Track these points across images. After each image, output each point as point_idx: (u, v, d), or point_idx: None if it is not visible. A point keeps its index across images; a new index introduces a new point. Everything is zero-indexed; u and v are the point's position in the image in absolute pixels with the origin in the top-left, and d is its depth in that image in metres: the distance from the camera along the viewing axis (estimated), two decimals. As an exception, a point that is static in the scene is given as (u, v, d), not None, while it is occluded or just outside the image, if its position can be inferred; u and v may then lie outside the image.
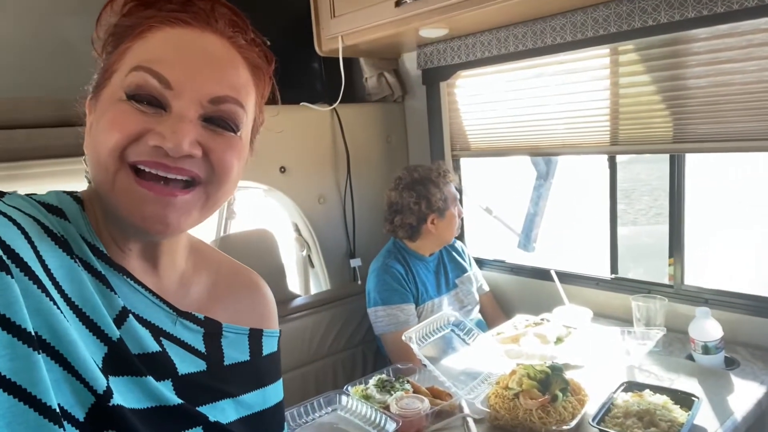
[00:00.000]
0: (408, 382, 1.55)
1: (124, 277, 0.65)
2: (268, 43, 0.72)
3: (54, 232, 0.60)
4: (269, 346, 0.79)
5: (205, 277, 0.77)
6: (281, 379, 0.80)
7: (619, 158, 2.08)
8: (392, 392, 1.48)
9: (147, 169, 0.61)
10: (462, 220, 2.21)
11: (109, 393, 0.56)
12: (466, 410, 1.46)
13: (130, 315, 0.63)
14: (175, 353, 0.67)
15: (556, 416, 1.30)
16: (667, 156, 1.92)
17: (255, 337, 0.77)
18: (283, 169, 2.27)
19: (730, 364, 1.64)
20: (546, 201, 3.76)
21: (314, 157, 2.38)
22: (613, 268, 2.12)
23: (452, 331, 1.66)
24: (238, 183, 0.71)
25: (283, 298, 2.27)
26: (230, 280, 0.80)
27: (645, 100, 1.87)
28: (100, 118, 0.62)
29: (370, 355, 2.32)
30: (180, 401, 0.63)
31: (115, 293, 0.62)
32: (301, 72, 2.60)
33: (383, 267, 2.08)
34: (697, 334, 1.63)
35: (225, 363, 0.72)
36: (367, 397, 1.49)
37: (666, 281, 2.00)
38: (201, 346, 0.70)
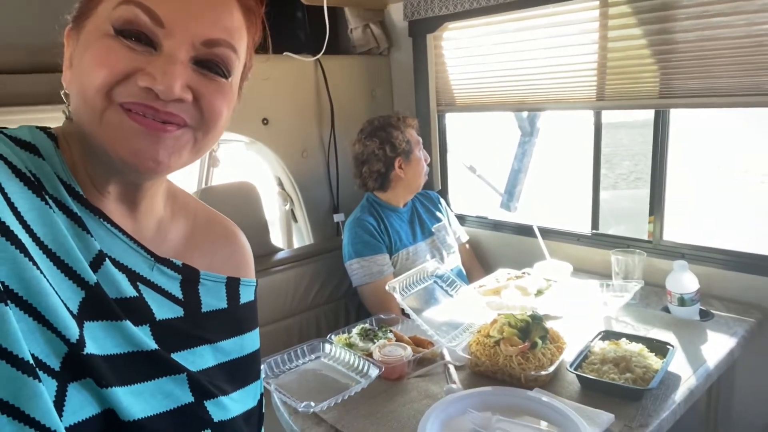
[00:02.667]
0: (391, 331, 1.57)
1: (101, 219, 0.63)
2: None
3: (24, 173, 0.57)
4: (246, 295, 0.78)
5: (183, 224, 0.75)
6: (258, 329, 0.80)
7: (603, 121, 2.08)
8: (375, 340, 1.50)
9: (134, 111, 0.58)
10: (430, 165, 2.20)
11: (82, 341, 0.55)
12: (448, 358, 1.48)
13: (107, 259, 0.61)
14: (152, 299, 0.66)
15: (535, 362, 1.33)
16: (650, 121, 1.92)
17: (232, 285, 0.76)
18: (265, 121, 2.22)
19: (705, 316, 1.69)
20: (530, 159, 3.76)
21: (297, 109, 2.34)
22: (594, 224, 2.14)
23: (435, 282, 1.67)
24: (222, 134, 0.68)
25: (266, 251, 2.26)
26: (207, 229, 0.79)
27: (633, 54, 1.86)
28: (85, 52, 0.59)
29: (353, 308, 2.33)
30: (156, 347, 0.62)
31: (92, 236, 0.60)
32: (285, 21, 2.53)
33: (356, 221, 2.09)
34: (674, 287, 1.66)
35: (202, 310, 0.71)
36: (350, 345, 1.50)
37: (645, 237, 2.03)
38: (178, 293, 0.69)
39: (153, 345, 0.62)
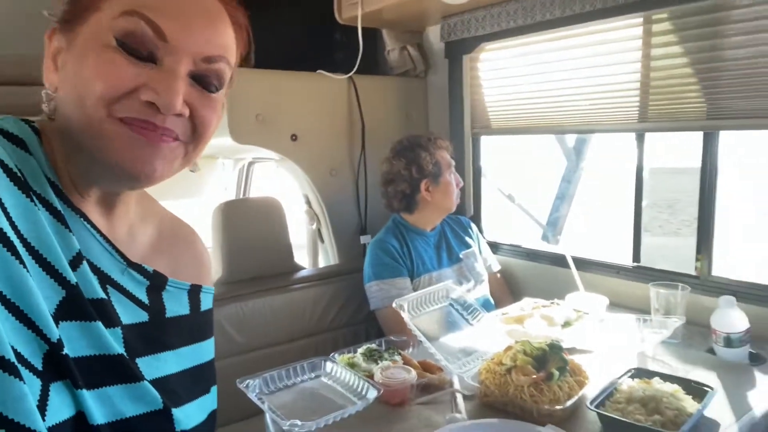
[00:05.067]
0: (399, 353, 1.46)
1: (81, 219, 0.63)
2: None
3: (10, 168, 0.56)
4: (206, 303, 0.79)
5: (150, 229, 0.76)
6: (213, 339, 0.80)
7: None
8: (379, 362, 1.40)
9: (135, 125, 0.59)
10: (462, 190, 2.11)
11: (61, 341, 0.54)
12: (457, 386, 1.36)
13: (84, 260, 0.61)
14: (118, 302, 0.65)
15: (550, 395, 1.19)
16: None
17: (194, 292, 0.77)
18: (294, 137, 2.20)
19: (755, 359, 1.49)
20: (575, 188, 3.57)
21: (328, 127, 2.32)
22: (636, 256, 1.98)
23: (450, 306, 1.56)
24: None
25: (288, 268, 2.21)
26: (172, 233, 0.80)
27: (678, 73, 1.73)
28: (83, 60, 0.59)
29: (373, 333, 2.23)
30: (121, 351, 0.61)
31: (72, 234, 0.60)
32: (322, 41, 2.54)
33: (378, 242, 2.02)
34: (720, 325, 1.49)
35: (166, 315, 0.71)
36: (352, 365, 1.41)
37: (692, 272, 1.85)
38: (144, 298, 0.69)
39: (119, 349, 0.61)
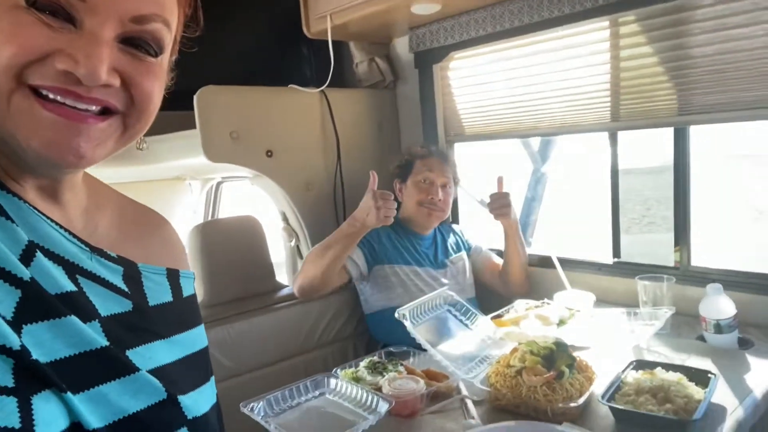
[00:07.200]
0: (401, 364, 1.44)
1: (27, 204, 0.54)
2: None
3: None
4: (188, 288, 0.71)
5: (109, 214, 0.68)
6: (203, 326, 0.72)
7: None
8: (384, 374, 1.38)
9: (52, 95, 0.50)
10: (436, 203, 2.08)
11: (25, 348, 0.47)
12: (465, 391, 1.35)
13: (38, 251, 0.53)
14: (94, 293, 0.57)
15: (563, 393, 1.19)
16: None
17: (173, 277, 0.69)
18: (269, 153, 2.16)
19: (744, 344, 1.54)
20: (543, 188, 3.66)
21: (302, 141, 2.28)
22: (615, 251, 2.03)
23: (448, 311, 1.56)
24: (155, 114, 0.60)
25: (270, 287, 2.16)
26: (138, 219, 0.72)
27: (648, 72, 1.79)
28: None
29: (361, 348, 2.20)
30: (107, 343, 0.54)
31: (16, 224, 0.52)
32: (290, 56, 2.52)
33: None
34: (709, 312, 1.53)
35: (150, 303, 0.64)
36: (357, 380, 1.38)
37: (671, 265, 1.91)
38: (122, 285, 0.61)
39: (103, 341, 0.53)
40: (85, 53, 0.50)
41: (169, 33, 0.57)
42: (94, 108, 0.52)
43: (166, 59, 0.59)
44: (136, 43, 0.54)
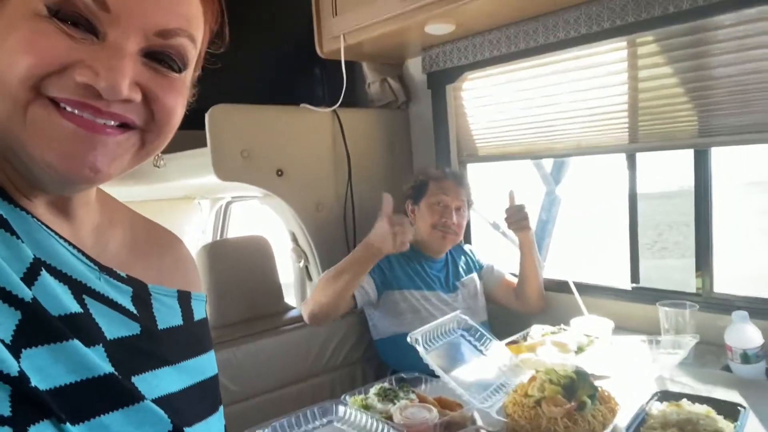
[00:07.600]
0: (413, 391, 1.39)
1: (35, 219, 0.51)
2: None
3: None
4: (199, 312, 0.68)
5: (121, 232, 0.65)
6: (213, 351, 0.69)
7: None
8: (395, 401, 1.32)
9: (70, 109, 0.48)
10: (449, 226, 2.02)
11: (24, 374, 0.44)
12: (480, 422, 1.29)
13: (43, 269, 0.49)
14: (101, 314, 0.54)
15: (585, 425, 1.13)
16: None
17: (184, 300, 0.66)
18: (280, 173, 2.14)
19: (773, 375, 1.47)
20: (556, 212, 3.60)
21: (314, 161, 2.26)
22: (634, 277, 1.97)
23: (462, 336, 1.50)
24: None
25: (278, 309, 2.11)
26: (149, 237, 0.69)
27: (667, 93, 1.75)
28: (8, 34, 0.48)
29: (370, 373, 2.14)
30: (111, 369, 0.50)
31: (22, 241, 0.49)
32: (303, 76, 2.52)
33: None
34: (735, 341, 1.46)
35: (159, 327, 0.60)
36: (367, 407, 1.32)
37: (693, 291, 1.84)
38: (131, 307, 0.58)
39: (107, 368, 0.50)
40: (107, 66, 0.48)
41: (194, 48, 0.56)
42: (112, 123, 0.50)
43: (189, 75, 0.57)
44: (160, 57, 0.52)
